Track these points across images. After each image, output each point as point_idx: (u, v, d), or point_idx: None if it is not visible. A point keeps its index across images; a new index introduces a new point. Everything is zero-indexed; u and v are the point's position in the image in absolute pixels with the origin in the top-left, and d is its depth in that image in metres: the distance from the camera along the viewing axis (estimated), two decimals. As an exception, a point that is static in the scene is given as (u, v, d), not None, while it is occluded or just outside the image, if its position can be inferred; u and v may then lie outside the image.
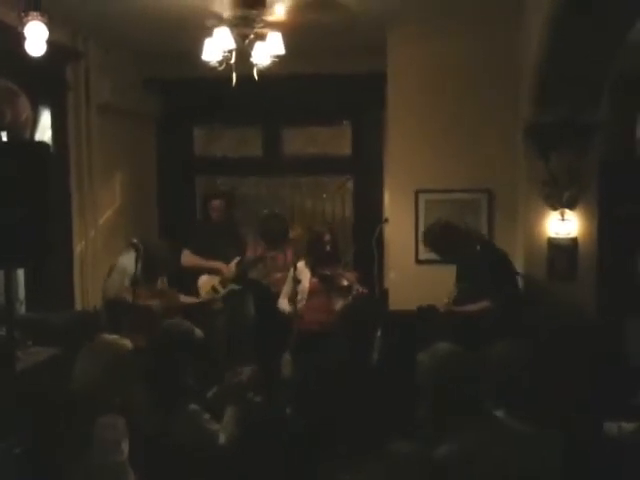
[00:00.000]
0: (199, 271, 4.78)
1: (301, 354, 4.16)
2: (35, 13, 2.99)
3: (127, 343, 2.58)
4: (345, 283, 4.52)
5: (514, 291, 3.91)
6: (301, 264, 4.55)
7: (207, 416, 2.67)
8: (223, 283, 4.75)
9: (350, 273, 4.65)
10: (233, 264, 4.77)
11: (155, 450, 2.56)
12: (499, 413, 2.35)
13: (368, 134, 5.55)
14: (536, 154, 4.20)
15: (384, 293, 4.88)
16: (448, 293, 3.98)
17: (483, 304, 3.76)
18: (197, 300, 4.64)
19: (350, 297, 4.50)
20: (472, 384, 2.30)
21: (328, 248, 4.59)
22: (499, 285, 3.78)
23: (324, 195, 5.88)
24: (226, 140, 5.98)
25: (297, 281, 4.28)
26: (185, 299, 4.53)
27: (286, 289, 4.55)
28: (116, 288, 4.09)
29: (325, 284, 4.52)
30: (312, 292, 4.50)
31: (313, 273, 4.54)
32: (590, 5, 3.38)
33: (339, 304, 4.52)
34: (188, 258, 4.77)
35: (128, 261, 4.16)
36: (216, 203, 4.85)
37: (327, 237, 4.62)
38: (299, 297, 4.33)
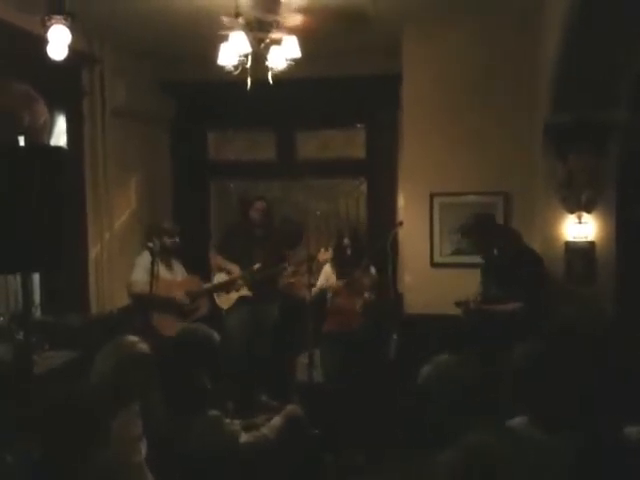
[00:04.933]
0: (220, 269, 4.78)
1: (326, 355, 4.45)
2: (59, 17, 3.00)
3: (144, 345, 2.58)
4: (360, 287, 4.58)
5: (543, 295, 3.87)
6: (327, 267, 4.76)
7: (228, 420, 2.66)
8: (232, 283, 4.70)
9: (367, 277, 4.67)
10: (251, 269, 4.68)
11: (171, 453, 2.55)
12: (517, 419, 2.32)
13: (382, 137, 5.51)
14: (554, 155, 4.16)
15: (399, 297, 4.86)
16: (474, 292, 3.96)
17: (515, 305, 3.72)
18: (217, 283, 4.67)
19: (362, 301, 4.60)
20: (475, 395, 2.29)
21: (348, 252, 4.69)
22: (535, 287, 3.75)
23: (338, 199, 5.86)
24: (240, 144, 5.97)
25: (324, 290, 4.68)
26: (207, 285, 4.62)
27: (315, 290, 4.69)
28: (139, 283, 4.15)
29: (347, 287, 4.64)
30: (336, 294, 4.68)
31: (337, 276, 4.71)
32: (607, 5, 3.34)
33: (359, 305, 4.62)
34: (212, 258, 4.82)
35: (144, 259, 4.22)
36: (260, 204, 4.83)
37: (345, 241, 4.71)
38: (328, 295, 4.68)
